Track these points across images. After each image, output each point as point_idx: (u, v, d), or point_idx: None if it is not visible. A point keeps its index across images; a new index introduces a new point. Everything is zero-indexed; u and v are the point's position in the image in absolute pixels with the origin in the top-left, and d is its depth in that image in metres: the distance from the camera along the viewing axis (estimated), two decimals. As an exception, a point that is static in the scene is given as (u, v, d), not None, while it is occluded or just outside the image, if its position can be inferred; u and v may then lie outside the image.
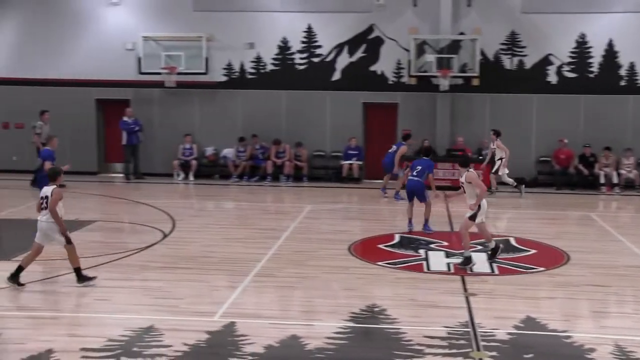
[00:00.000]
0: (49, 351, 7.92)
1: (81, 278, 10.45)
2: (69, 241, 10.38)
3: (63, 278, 10.90)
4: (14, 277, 10.29)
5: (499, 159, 18.99)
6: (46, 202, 10.34)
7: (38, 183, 14.46)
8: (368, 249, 13.12)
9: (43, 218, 10.38)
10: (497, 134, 19.11)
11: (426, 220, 14.57)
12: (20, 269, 10.34)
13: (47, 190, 10.43)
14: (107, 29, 21.79)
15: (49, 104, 21.58)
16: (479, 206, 11.55)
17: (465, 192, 11.81)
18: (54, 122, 21.31)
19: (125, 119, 21.26)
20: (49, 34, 21.86)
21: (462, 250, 11.75)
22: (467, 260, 11.56)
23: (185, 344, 8.18)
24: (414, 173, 14.48)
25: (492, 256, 12.01)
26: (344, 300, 10.03)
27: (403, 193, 16.38)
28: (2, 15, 22.01)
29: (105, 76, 21.72)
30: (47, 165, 14.32)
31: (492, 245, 12.05)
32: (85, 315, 9.25)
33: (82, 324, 8.92)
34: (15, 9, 22.03)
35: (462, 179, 11.82)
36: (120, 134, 21.48)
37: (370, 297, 10.09)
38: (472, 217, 11.61)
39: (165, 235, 13.92)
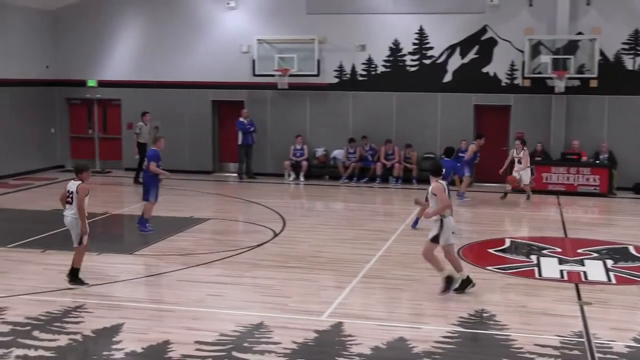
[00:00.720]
0: (166, 342, 8.27)
1: (75, 279, 10.47)
2: (80, 243, 10.38)
3: (179, 273, 11.33)
4: (74, 279, 10.49)
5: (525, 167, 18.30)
6: (71, 198, 10.29)
7: (143, 183, 14.75)
8: (478, 253, 12.94)
9: (68, 213, 10.40)
10: (524, 142, 18.70)
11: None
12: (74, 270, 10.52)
13: (72, 185, 10.35)
14: (224, 32, 22.43)
15: (169, 105, 22.60)
16: (442, 225, 10.15)
17: (429, 205, 10.50)
18: (173, 122, 22.27)
19: (241, 119, 21.81)
20: (170, 39, 22.71)
21: (452, 274, 10.29)
22: (449, 282, 10.19)
23: (294, 342, 8.34)
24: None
25: (460, 289, 10.28)
26: (452, 304, 9.94)
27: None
28: (127, 21, 23.04)
29: (221, 78, 22.37)
30: (152, 166, 14.13)
31: (463, 276, 10.33)
32: (200, 309, 9.56)
33: (196, 317, 9.23)
34: (138, 15, 23.02)
35: (429, 189, 10.41)
36: (233, 134, 22.07)
37: (480, 302, 9.96)
38: (435, 239, 10.19)
39: (275, 234, 14.21)
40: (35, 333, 8.58)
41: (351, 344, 8.32)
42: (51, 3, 22.76)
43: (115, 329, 8.73)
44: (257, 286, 10.82)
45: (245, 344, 8.29)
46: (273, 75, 21.61)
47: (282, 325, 8.94)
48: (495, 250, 13.03)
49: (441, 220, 10.21)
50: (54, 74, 23.26)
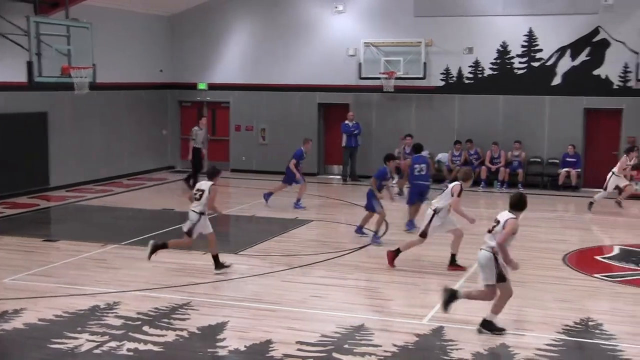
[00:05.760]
0: (269, 341, 8.49)
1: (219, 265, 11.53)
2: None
3: (282, 273, 11.58)
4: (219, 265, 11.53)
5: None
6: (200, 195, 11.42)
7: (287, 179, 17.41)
8: (584, 260, 12.61)
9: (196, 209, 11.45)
10: None
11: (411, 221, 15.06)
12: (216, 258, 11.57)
13: (205, 184, 11.58)
14: (331, 36, 22.68)
15: (275, 108, 23.11)
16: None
17: None
18: (279, 124, 22.73)
19: (346, 122, 22.00)
20: (278, 42, 23.16)
21: None
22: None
23: (395, 345, 8.40)
24: (423, 173, 15.10)
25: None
26: (556, 311, 9.75)
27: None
28: (235, 26, 23.68)
29: (327, 81, 22.64)
30: (292, 163, 17.15)
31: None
32: (302, 310, 9.75)
33: (298, 318, 9.41)
34: (247, 20, 23.61)
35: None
36: (339, 137, 22.28)
37: (585, 310, 9.73)
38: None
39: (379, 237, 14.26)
40: (145, 328, 8.97)
41: (452, 349, 8.30)
42: (168, 9, 23.69)
43: (220, 326, 9.03)
44: (359, 288, 10.94)
45: (346, 346, 8.40)
46: (379, 79, 21.69)
47: (383, 327, 9.01)
48: (602, 258, 12.65)
49: None
50: (168, 77, 24.19)
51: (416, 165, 15.19)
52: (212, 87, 24.05)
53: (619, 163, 17.61)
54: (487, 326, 8.89)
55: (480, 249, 8.95)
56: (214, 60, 23.94)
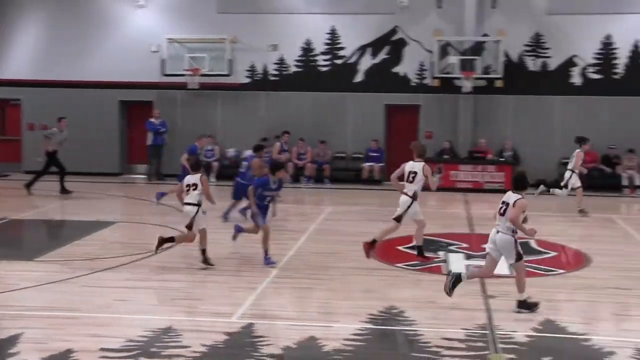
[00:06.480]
0: (69, 351, 7.97)
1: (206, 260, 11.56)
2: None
3: (84, 278, 10.99)
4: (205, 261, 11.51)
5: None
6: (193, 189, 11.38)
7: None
8: (387, 251, 13.07)
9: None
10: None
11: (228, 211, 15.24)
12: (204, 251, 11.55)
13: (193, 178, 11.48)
14: (132, 31, 22.00)
15: (73, 106, 21.97)
16: None
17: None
18: (78, 123, 21.61)
19: (152, 120, 21.42)
20: (75, 36, 22.11)
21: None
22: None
23: (203, 345, 8.20)
24: (243, 170, 15.13)
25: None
26: (362, 302, 10.00)
27: None
28: (27, 17, 22.27)
29: (129, 78, 21.91)
30: (185, 157, 15.74)
31: None
32: (105, 315, 9.29)
33: (101, 324, 8.95)
34: (41, 10, 22.30)
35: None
36: (142, 135, 21.65)
37: (389, 298, 10.06)
38: None
39: (185, 236, 13.96)
40: None
41: (262, 345, 8.25)
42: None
43: (13, 339, 8.30)
44: (166, 289, 10.61)
45: (153, 349, 8.09)
46: (183, 75, 21.32)
47: (191, 328, 8.78)
48: (404, 248, 13.19)
49: None
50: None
51: (244, 163, 15.32)
52: None
53: (574, 159, 16.44)
54: (524, 305, 9.34)
55: (498, 232, 9.28)
56: (0, 54, 22.31)
